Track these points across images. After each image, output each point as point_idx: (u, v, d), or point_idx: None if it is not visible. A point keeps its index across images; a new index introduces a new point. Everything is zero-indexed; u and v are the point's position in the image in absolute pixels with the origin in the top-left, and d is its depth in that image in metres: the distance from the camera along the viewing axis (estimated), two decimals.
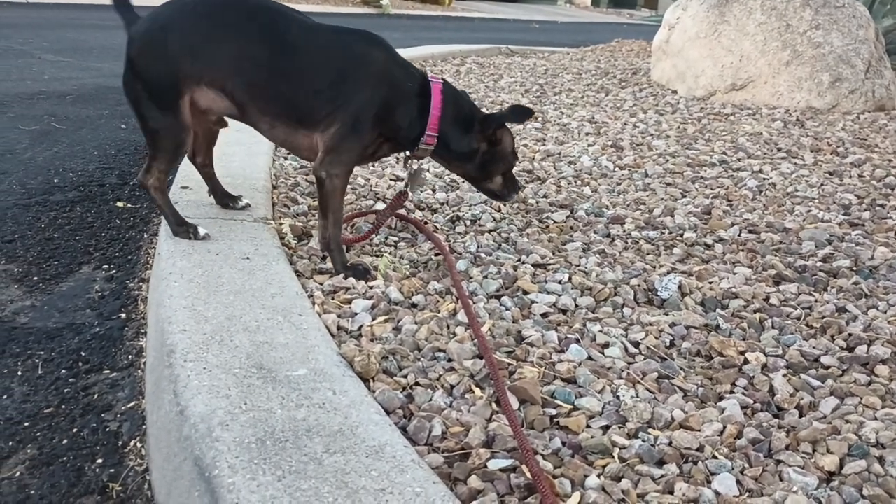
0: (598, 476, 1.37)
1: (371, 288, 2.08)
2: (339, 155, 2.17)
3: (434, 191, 3.05)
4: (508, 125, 2.37)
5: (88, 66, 6.31)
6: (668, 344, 1.87)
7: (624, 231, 2.66)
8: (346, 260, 2.23)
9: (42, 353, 1.94)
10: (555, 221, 2.73)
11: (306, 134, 2.20)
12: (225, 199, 2.53)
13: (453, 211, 2.80)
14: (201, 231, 2.22)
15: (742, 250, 2.50)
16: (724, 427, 1.52)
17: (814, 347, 1.86)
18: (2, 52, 6.60)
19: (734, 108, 5.27)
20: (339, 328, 1.87)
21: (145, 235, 2.75)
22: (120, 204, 3.06)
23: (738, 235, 2.65)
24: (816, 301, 2.13)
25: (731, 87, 5.61)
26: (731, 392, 1.67)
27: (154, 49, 2.12)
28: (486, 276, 2.19)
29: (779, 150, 4.04)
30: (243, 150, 3.31)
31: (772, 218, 2.84)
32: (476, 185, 2.50)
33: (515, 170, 3.15)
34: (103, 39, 8.03)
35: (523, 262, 2.32)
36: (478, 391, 1.62)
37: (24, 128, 4.08)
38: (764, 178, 3.43)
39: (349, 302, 2.00)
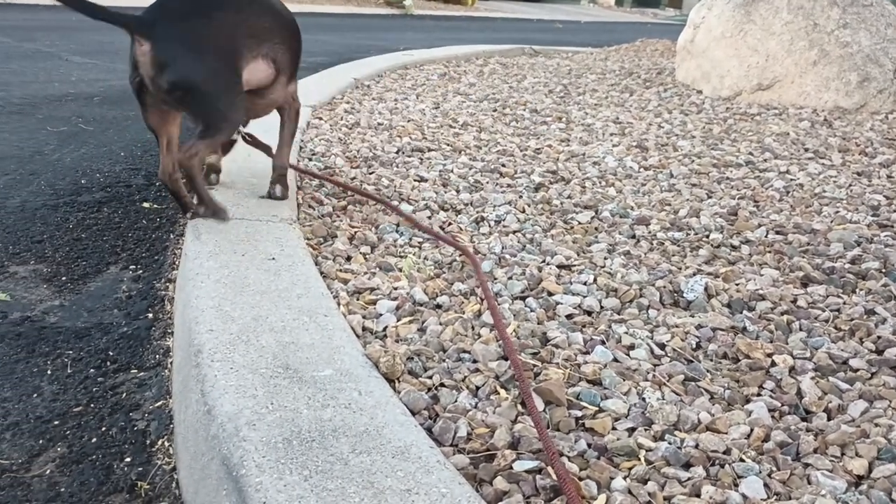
0: (625, 478, 1.36)
1: (396, 289, 2.08)
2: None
3: (458, 192, 3.05)
4: None
5: (115, 67, 6.37)
6: (694, 346, 1.86)
7: (649, 232, 2.65)
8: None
9: (71, 352, 1.96)
10: (579, 222, 2.72)
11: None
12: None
13: (477, 212, 2.80)
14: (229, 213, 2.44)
15: (769, 252, 2.48)
16: (752, 430, 1.51)
17: (842, 350, 1.84)
18: (30, 54, 6.68)
19: (760, 109, 5.23)
20: (364, 329, 1.87)
21: (171, 236, 2.78)
22: (146, 204, 3.08)
23: (765, 237, 2.63)
24: (845, 303, 2.11)
25: (757, 86, 5.57)
26: (759, 395, 1.65)
27: (216, 30, 2.32)
28: (510, 278, 2.19)
29: (806, 150, 4.00)
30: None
31: (799, 219, 2.82)
32: None
33: (540, 170, 3.15)
34: (127, 42, 8.10)
35: (548, 264, 2.31)
36: (503, 392, 1.62)
37: (53, 129, 4.13)
38: (791, 179, 3.40)
39: (374, 303, 2.01)
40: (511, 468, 1.37)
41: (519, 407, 1.57)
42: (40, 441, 1.61)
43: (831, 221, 2.81)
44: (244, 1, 2.41)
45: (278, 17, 2.53)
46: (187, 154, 2.33)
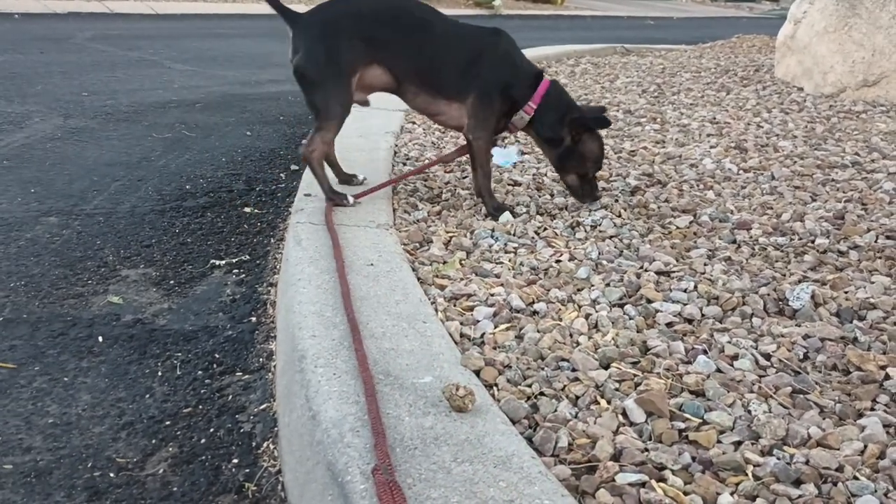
0: (731, 494, 1.33)
1: (492, 295, 2.09)
2: (479, 122, 2.76)
3: (552, 195, 3.03)
4: (598, 134, 2.81)
5: (214, 74, 6.57)
6: (801, 357, 1.80)
7: (751, 237, 2.58)
8: (495, 203, 2.81)
9: (180, 354, 2.04)
10: (678, 227, 2.67)
11: (447, 103, 2.76)
12: (344, 177, 2.98)
13: (573, 216, 2.78)
14: (350, 199, 2.69)
15: (880, 257, 2.38)
16: (866, 446, 1.45)
17: None
18: (136, 62, 6.95)
19: (866, 106, 5.03)
20: (461, 335, 1.88)
21: (272, 240, 2.85)
22: (248, 209, 3.17)
23: (875, 241, 2.52)
24: None
25: (862, 83, 5.36)
26: (872, 409, 1.59)
27: (333, 38, 2.59)
28: (608, 284, 2.17)
29: None
30: (364, 157, 3.38)
31: None
32: (558, 174, 2.92)
33: (636, 173, 3.11)
34: (225, 48, 8.35)
35: (646, 270, 2.28)
36: (603, 402, 1.60)
37: (158, 136, 4.29)
38: None
39: (471, 309, 2.01)
40: (614, 480, 1.36)
41: (620, 418, 1.55)
42: (153, 441, 1.67)
43: None
44: (380, 11, 2.68)
45: (413, 30, 2.71)
46: (306, 149, 2.66)
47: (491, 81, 2.72)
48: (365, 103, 2.81)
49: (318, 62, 2.58)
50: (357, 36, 2.60)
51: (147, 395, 1.84)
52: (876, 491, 1.33)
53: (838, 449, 1.45)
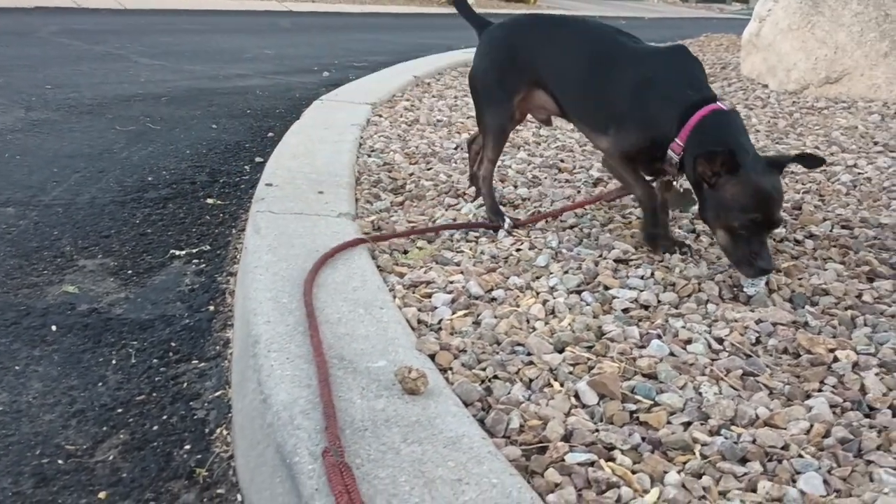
0: (679, 472, 1.34)
1: (452, 283, 2.09)
2: (615, 158, 2.38)
3: (516, 186, 3.04)
4: (753, 176, 2.05)
5: (181, 68, 6.52)
6: (753, 341, 1.82)
7: None
8: (663, 233, 2.37)
9: (135, 343, 2.02)
10: (637, 217, 2.69)
11: (597, 136, 2.42)
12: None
13: (535, 207, 2.79)
14: (506, 223, 2.54)
15: (834, 246, 2.42)
16: (812, 426, 1.47)
17: None
18: (102, 56, 6.88)
19: (828, 102, 5.09)
20: (419, 322, 1.88)
21: (234, 231, 2.83)
22: (210, 201, 3.15)
23: (831, 231, 2.56)
24: None
25: (824, 80, 5.43)
26: (820, 390, 1.61)
27: (506, 51, 2.54)
28: (566, 272, 2.18)
29: (875, 143, 3.89)
30: (329, 148, 3.37)
31: (866, 213, 2.74)
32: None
33: (599, 165, 3.09)
34: (195, 43, 8.29)
35: (605, 258, 2.29)
36: (556, 385, 1.61)
37: (121, 128, 4.25)
38: (858, 173, 3.30)
39: (429, 296, 2.01)
40: (563, 460, 1.37)
41: (573, 400, 1.56)
42: (104, 428, 1.66)
43: None
44: (545, 32, 2.54)
45: (576, 56, 2.46)
46: (477, 167, 2.70)
47: (632, 120, 2.31)
48: (546, 122, 2.73)
49: (484, 77, 2.58)
50: (526, 55, 2.50)
51: (100, 384, 1.82)
52: (819, 468, 1.35)
53: (785, 428, 1.47)
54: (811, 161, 2.22)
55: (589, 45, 2.46)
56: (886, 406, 1.55)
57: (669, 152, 2.22)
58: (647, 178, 2.41)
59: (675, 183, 2.42)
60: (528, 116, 2.75)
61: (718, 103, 2.19)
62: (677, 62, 2.31)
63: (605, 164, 2.80)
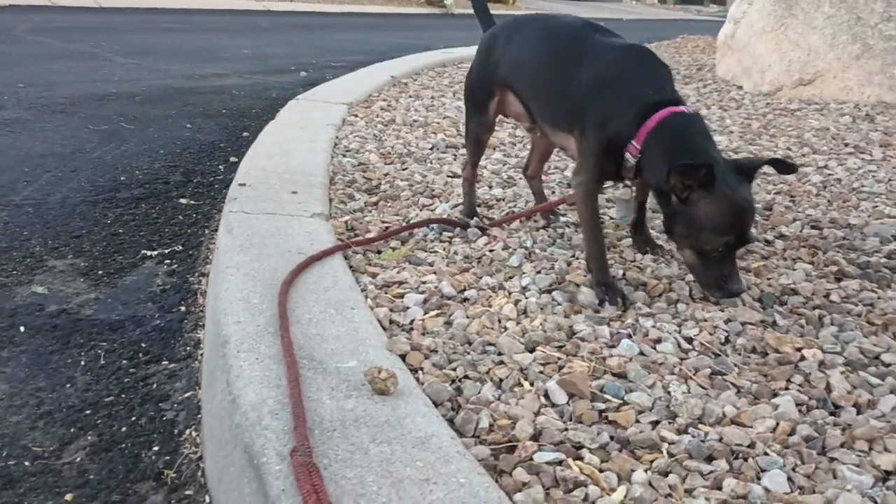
0: (646, 471, 1.35)
1: (424, 283, 2.09)
2: (582, 163, 2.16)
3: (490, 187, 3.05)
4: (728, 193, 1.87)
5: (157, 68, 6.47)
6: (722, 340, 1.84)
7: None
8: (604, 278, 2.07)
9: (105, 344, 2.01)
10: (611, 218, 2.70)
11: (565, 136, 2.23)
12: (548, 216, 2.68)
13: (510, 207, 2.80)
14: (473, 221, 2.57)
15: (804, 246, 2.44)
16: (777, 424, 1.48)
17: (875, 345, 1.80)
18: (75, 54, 6.82)
19: (801, 104, 5.14)
20: (391, 322, 1.88)
21: (206, 231, 2.82)
22: (183, 201, 3.13)
23: (800, 231, 2.59)
24: (879, 298, 2.07)
25: (798, 81, 5.48)
26: (786, 389, 1.63)
27: (485, 54, 2.50)
28: (539, 272, 2.18)
29: (846, 145, 3.93)
30: (303, 147, 3.36)
31: (836, 214, 2.77)
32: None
33: (573, 166, 3.09)
34: (171, 43, 8.24)
35: (577, 258, 2.30)
36: (526, 384, 1.62)
37: (94, 127, 4.21)
38: (829, 174, 3.34)
39: (402, 296, 2.01)
40: (532, 459, 1.37)
41: (542, 399, 1.56)
42: (72, 430, 1.64)
43: (869, 216, 2.75)
44: (515, 32, 2.45)
45: (549, 62, 2.29)
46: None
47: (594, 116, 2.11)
48: (531, 130, 2.60)
49: (467, 80, 2.60)
50: (501, 58, 2.42)
51: (68, 385, 1.81)
52: (784, 466, 1.36)
53: (751, 427, 1.48)
54: (784, 167, 2.05)
55: (547, 41, 2.33)
56: (851, 404, 1.57)
57: (626, 154, 2.04)
58: (607, 183, 2.28)
59: (625, 188, 2.31)
60: (499, 118, 2.68)
61: (681, 106, 2.03)
62: (640, 61, 2.19)
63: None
